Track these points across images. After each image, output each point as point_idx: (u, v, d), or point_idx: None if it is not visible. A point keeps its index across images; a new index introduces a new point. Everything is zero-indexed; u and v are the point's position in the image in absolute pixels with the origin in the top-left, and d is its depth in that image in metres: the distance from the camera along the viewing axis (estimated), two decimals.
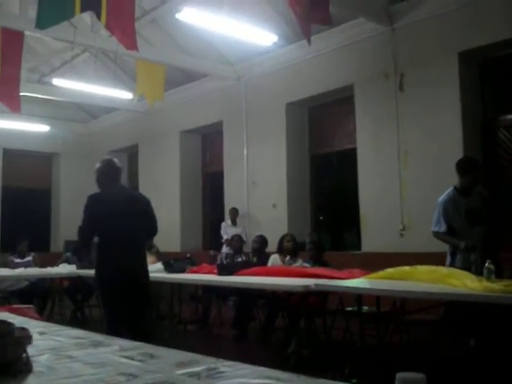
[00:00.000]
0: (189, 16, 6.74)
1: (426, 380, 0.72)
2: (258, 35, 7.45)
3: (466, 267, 4.20)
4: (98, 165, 4.49)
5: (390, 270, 4.50)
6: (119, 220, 4.20)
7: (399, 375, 0.72)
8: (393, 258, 6.90)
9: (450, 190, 4.90)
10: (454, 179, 5.01)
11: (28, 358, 1.55)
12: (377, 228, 7.84)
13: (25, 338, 1.61)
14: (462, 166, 4.84)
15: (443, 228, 4.79)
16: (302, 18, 5.93)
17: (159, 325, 6.78)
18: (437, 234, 4.88)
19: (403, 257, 6.92)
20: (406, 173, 7.54)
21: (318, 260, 5.79)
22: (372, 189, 7.99)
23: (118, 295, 4.20)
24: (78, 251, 6.42)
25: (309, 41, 6.03)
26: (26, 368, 1.51)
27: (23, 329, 1.66)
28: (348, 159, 8.72)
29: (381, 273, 4.55)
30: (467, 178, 4.77)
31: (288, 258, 6.09)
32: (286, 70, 9.21)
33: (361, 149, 8.21)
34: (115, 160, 4.57)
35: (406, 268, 4.43)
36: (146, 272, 4.54)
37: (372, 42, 8.01)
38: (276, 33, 7.72)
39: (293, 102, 9.34)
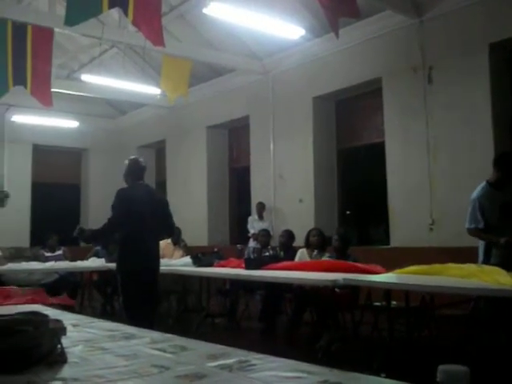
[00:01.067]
0: (216, 10, 6.74)
1: (469, 373, 0.71)
2: (285, 29, 7.42)
3: (503, 263, 4.11)
4: (126, 162, 4.84)
5: (419, 267, 4.45)
6: (144, 216, 4.55)
7: (441, 367, 0.71)
8: (422, 253, 6.87)
9: (483, 184, 4.79)
10: (483, 172, 4.93)
11: (63, 348, 1.58)
12: (405, 222, 7.76)
13: (59, 329, 1.64)
14: (501, 160, 4.74)
15: (481, 224, 4.65)
16: (329, 11, 5.90)
17: (187, 318, 6.83)
18: (473, 231, 4.76)
19: (432, 252, 6.88)
20: (435, 166, 7.44)
21: (342, 254, 5.76)
22: (400, 183, 7.91)
23: (139, 286, 4.50)
24: (95, 239, 6.50)
25: (337, 34, 5.98)
26: (60, 359, 1.54)
27: (57, 320, 1.69)
28: (376, 153, 8.64)
29: (410, 268, 4.51)
30: (504, 172, 4.67)
31: (315, 252, 6.08)
32: (313, 64, 9.16)
33: (389, 142, 8.13)
34: (141, 159, 4.91)
35: (436, 265, 4.38)
36: (159, 266, 4.90)
37: (400, 35, 7.92)
38: (303, 26, 7.69)
39: (320, 96, 9.29)
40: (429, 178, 7.50)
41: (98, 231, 4.76)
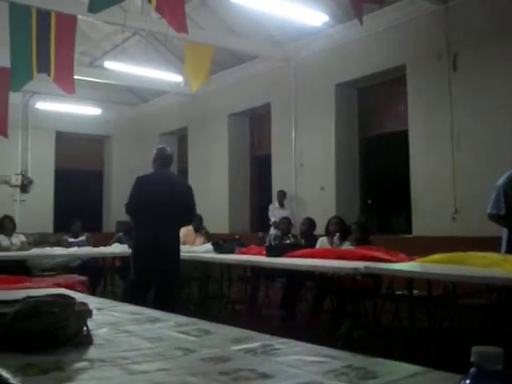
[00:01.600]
0: None
1: (503, 354, 0.70)
2: (308, 15, 7.37)
3: None
4: (154, 150, 5.16)
5: (441, 255, 4.42)
6: (160, 202, 4.77)
7: (475, 348, 0.70)
8: (444, 242, 6.81)
9: (509, 173, 4.74)
10: (509, 161, 4.86)
11: (88, 330, 1.60)
12: (428, 212, 7.70)
13: (85, 311, 1.66)
14: None
15: (503, 211, 4.63)
16: None
17: (208, 304, 6.88)
18: (494, 217, 4.73)
19: (455, 241, 6.81)
20: (459, 155, 7.36)
21: (362, 242, 5.74)
22: (424, 171, 7.84)
23: (150, 268, 4.74)
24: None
25: (360, 20, 5.94)
26: (86, 340, 1.56)
27: (83, 303, 1.71)
28: (398, 141, 8.57)
29: (432, 257, 4.48)
30: None
31: (336, 240, 6.05)
32: (335, 51, 9.09)
33: (412, 131, 8.05)
34: (168, 148, 5.25)
35: (459, 253, 4.35)
36: (178, 251, 5.09)
37: (425, 21, 7.81)
38: (326, 12, 7.62)
39: (342, 83, 9.22)
40: (452, 167, 7.42)
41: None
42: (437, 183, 7.63)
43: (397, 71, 8.29)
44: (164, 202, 4.78)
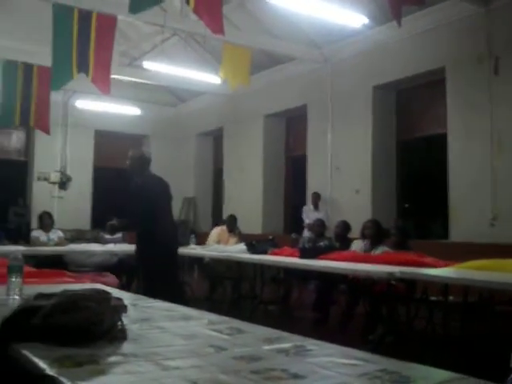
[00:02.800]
0: None
1: None
2: (347, 17, 7.32)
3: None
4: (131, 154, 5.25)
5: (478, 261, 4.34)
6: (160, 203, 5.10)
7: None
8: (482, 249, 6.67)
9: None
10: None
11: (123, 325, 1.62)
12: (466, 217, 7.56)
13: (120, 306, 1.69)
14: None
15: None
16: None
17: (241, 304, 6.90)
18: None
19: (493, 247, 6.67)
20: (499, 160, 7.21)
21: (401, 247, 5.66)
22: (462, 176, 7.70)
23: (159, 269, 4.94)
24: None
25: (399, 22, 5.86)
26: (121, 335, 1.58)
27: (119, 299, 1.74)
28: (437, 145, 8.44)
29: (468, 263, 4.39)
30: None
31: (366, 241, 5.99)
32: (373, 53, 9.01)
33: (451, 134, 7.92)
34: (146, 151, 5.66)
35: (496, 260, 4.26)
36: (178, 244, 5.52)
37: (465, 24, 7.67)
38: (365, 14, 7.55)
39: (380, 85, 9.14)
40: (491, 172, 7.27)
41: (126, 226, 5.72)
42: (476, 188, 7.48)
43: (436, 73, 8.16)
44: (164, 206, 5.16)
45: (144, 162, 5.21)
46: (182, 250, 7.56)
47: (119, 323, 1.62)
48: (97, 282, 3.23)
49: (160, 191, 5.15)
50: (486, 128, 7.35)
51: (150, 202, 4.95)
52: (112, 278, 6.01)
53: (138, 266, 5.38)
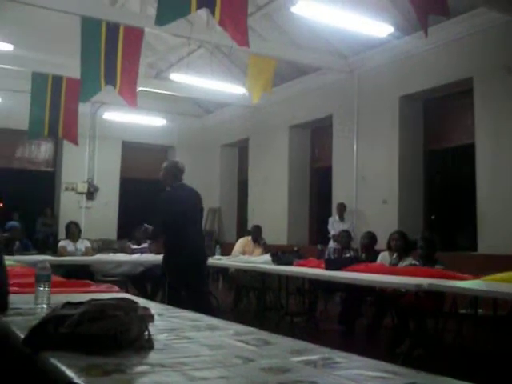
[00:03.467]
0: (303, 9, 6.73)
1: None
2: (372, 27, 7.29)
3: None
4: (165, 164, 5.34)
5: (507, 273, 4.25)
6: (187, 214, 5.03)
7: None
8: (511, 261, 6.54)
9: None
10: None
11: (150, 335, 1.62)
12: (495, 229, 7.43)
13: (147, 316, 1.68)
14: None
15: None
16: (418, 8, 5.74)
17: (266, 315, 6.87)
18: None
19: None
20: None
21: (429, 259, 5.56)
22: (491, 187, 7.58)
23: (184, 279, 4.94)
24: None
25: (425, 32, 5.82)
26: (148, 345, 1.58)
27: (145, 308, 1.74)
28: (465, 155, 8.34)
29: (498, 275, 4.31)
30: None
31: (395, 255, 5.91)
32: (400, 63, 8.95)
33: (479, 145, 7.81)
34: (180, 161, 5.49)
35: None
36: (205, 255, 5.38)
37: (494, 33, 7.58)
38: (391, 24, 7.52)
39: (407, 95, 9.07)
40: None
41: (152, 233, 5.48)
42: (504, 199, 7.36)
43: (464, 84, 8.08)
44: (190, 212, 5.06)
45: (176, 172, 5.23)
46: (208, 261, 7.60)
47: (146, 333, 1.62)
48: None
49: (188, 202, 5.11)
50: None
51: (175, 213, 4.97)
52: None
53: (162, 275, 5.38)
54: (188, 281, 5.01)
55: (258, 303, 7.36)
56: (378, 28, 7.37)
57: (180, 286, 5.04)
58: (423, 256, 5.56)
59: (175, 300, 4.67)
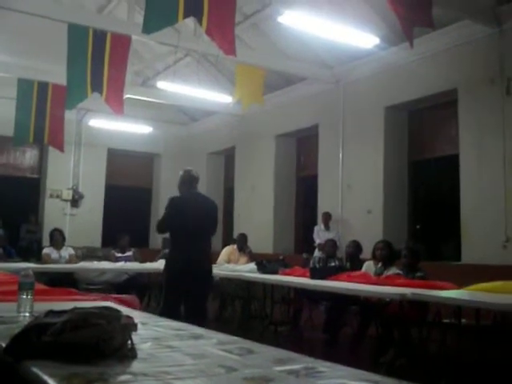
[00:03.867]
0: (290, 19, 6.78)
1: None
2: (358, 38, 7.37)
3: None
4: (180, 173, 5.31)
5: (490, 283, 4.29)
6: (192, 221, 4.90)
7: None
8: (494, 271, 6.60)
9: None
10: None
11: (133, 344, 1.61)
12: (478, 239, 7.49)
13: (131, 325, 1.68)
14: None
15: None
16: (404, 19, 5.81)
17: (250, 324, 6.85)
18: None
19: (506, 270, 6.58)
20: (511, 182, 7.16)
21: (412, 269, 5.61)
22: (474, 197, 7.65)
23: (182, 285, 4.81)
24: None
25: (411, 43, 5.89)
26: (131, 354, 1.57)
27: (129, 317, 1.73)
28: (449, 166, 8.41)
29: (481, 285, 4.35)
30: None
31: (379, 265, 5.94)
32: (386, 73, 9.03)
33: (463, 155, 7.89)
34: (193, 169, 5.40)
35: (509, 282, 4.22)
36: (211, 266, 5.18)
37: (478, 45, 7.68)
38: (377, 35, 7.60)
39: (392, 106, 9.14)
40: (504, 193, 7.22)
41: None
42: (488, 209, 7.42)
43: (448, 95, 8.16)
44: (197, 226, 4.94)
45: (190, 179, 5.23)
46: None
47: (129, 341, 1.61)
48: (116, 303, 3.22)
49: (195, 209, 4.99)
50: (498, 149, 7.32)
51: (176, 217, 4.94)
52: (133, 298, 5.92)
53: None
54: (169, 290, 4.93)
55: (242, 312, 7.34)
56: (364, 39, 7.44)
57: (164, 295, 4.98)
58: (407, 265, 5.60)
59: (162, 310, 4.63)
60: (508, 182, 7.20)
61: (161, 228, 5.22)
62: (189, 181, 5.23)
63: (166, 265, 5.04)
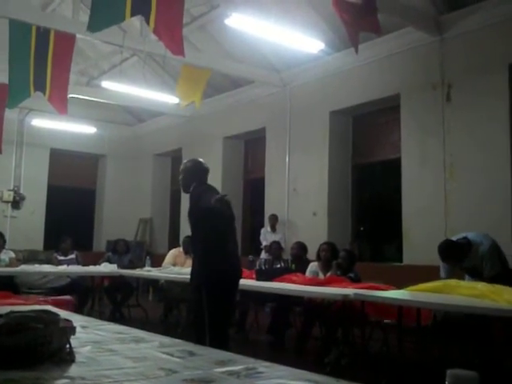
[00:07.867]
0: (237, 22, 6.80)
1: (479, 379, 0.70)
2: (304, 42, 7.45)
3: None
4: (187, 164, 4.28)
5: (430, 284, 4.42)
6: (234, 219, 4.08)
7: (450, 372, 0.70)
8: (434, 272, 6.78)
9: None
10: (500, 192, 4.89)
11: (71, 348, 1.58)
12: (419, 240, 7.69)
13: (69, 328, 1.65)
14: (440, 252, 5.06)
15: None
16: (350, 25, 5.93)
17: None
18: None
19: None
20: (452, 184, 7.39)
21: (347, 270, 5.75)
22: (416, 200, 7.86)
23: (234, 300, 4.16)
24: None
25: (356, 49, 6.01)
26: (69, 358, 1.55)
27: (67, 320, 1.70)
28: (391, 169, 8.61)
29: (421, 285, 4.47)
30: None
31: (319, 264, 6.08)
32: (331, 78, 9.17)
33: (405, 159, 8.10)
34: (203, 161, 4.35)
35: (448, 282, 4.36)
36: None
37: (420, 52, 7.92)
38: (323, 40, 7.71)
39: (337, 111, 9.30)
40: (444, 196, 7.44)
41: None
42: (428, 212, 7.64)
43: (391, 100, 8.36)
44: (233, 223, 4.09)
45: (201, 172, 4.21)
46: (137, 272, 7.48)
47: (67, 345, 1.58)
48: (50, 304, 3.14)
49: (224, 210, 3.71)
50: (438, 153, 7.55)
51: (222, 217, 3.81)
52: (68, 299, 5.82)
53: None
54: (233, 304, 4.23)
55: (188, 315, 7.29)
56: (310, 44, 7.53)
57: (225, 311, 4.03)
58: (341, 267, 5.76)
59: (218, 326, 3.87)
60: (448, 185, 7.43)
61: (221, 231, 3.96)
62: (200, 173, 4.19)
63: (209, 278, 3.85)
